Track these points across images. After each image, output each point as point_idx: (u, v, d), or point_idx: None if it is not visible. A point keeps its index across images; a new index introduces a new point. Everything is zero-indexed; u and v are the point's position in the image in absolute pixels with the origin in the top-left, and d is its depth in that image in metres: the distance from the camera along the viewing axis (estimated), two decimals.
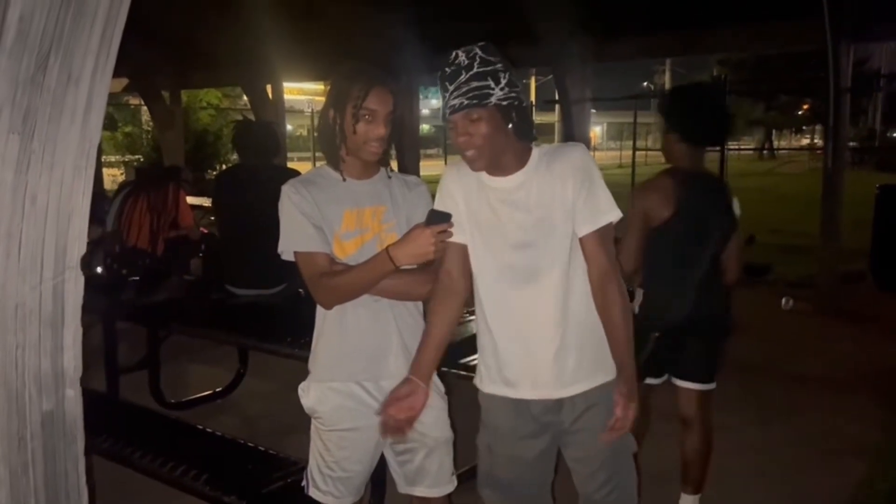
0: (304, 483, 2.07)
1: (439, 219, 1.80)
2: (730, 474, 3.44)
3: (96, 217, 7.37)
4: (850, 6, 6.46)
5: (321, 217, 1.91)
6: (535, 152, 1.85)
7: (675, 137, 2.63)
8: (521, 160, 1.83)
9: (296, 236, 1.91)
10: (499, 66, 1.73)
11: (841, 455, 3.58)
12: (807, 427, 3.97)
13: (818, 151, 20.28)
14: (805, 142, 37.84)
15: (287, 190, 1.94)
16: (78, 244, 1.36)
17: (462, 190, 1.87)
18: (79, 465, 1.38)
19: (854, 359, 5.14)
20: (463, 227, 1.87)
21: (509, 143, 1.78)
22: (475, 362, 2.00)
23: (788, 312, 6.44)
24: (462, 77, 1.71)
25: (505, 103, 1.72)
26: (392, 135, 1.93)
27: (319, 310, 1.99)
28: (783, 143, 39.51)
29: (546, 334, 1.82)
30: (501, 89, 1.72)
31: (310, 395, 2.02)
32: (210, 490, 2.42)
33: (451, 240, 1.86)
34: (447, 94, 1.73)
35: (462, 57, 1.73)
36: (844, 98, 6.78)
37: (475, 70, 1.71)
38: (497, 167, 1.82)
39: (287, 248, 1.93)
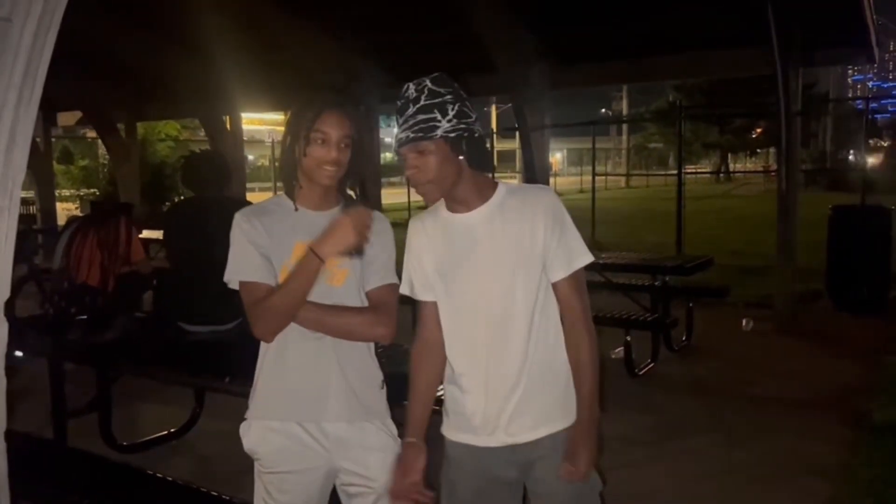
0: None
1: (355, 209, 1.80)
2: (696, 497, 3.42)
3: (24, 254, 7.21)
4: (798, 34, 6.67)
5: (270, 247, 1.86)
6: (501, 189, 1.83)
7: None
8: (483, 194, 1.80)
9: (242, 266, 1.86)
10: (448, 97, 1.71)
11: (806, 476, 3.58)
12: (771, 448, 3.98)
13: (772, 174, 20.77)
14: (759, 165, 38.81)
15: (238, 219, 1.89)
16: (2, 289, 1.28)
17: (428, 242, 1.85)
18: None
19: (814, 378, 5.19)
20: (432, 286, 1.84)
21: (463, 175, 1.76)
22: (440, 393, 1.94)
23: (749, 333, 6.51)
24: (410, 110, 1.70)
25: (453, 135, 1.70)
26: (353, 162, 1.88)
27: (263, 345, 1.92)
28: (738, 166, 40.47)
29: (512, 378, 1.78)
30: (449, 121, 1.70)
31: (250, 435, 1.93)
32: None
33: (422, 298, 1.86)
34: (398, 127, 1.73)
35: (412, 90, 1.72)
36: (795, 121, 6.96)
37: (422, 103, 1.70)
38: (456, 200, 1.80)
39: (233, 277, 1.88)
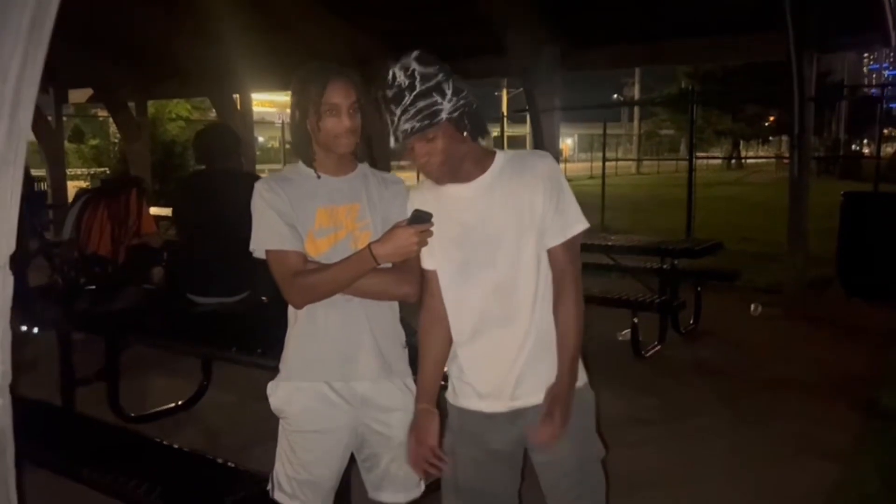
0: (269, 487, 2.01)
1: (422, 218, 1.77)
2: (702, 478, 3.41)
3: (35, 229, 7.23)
4: (813, 18, 6.58)
5: (294, 215, 1.87)
6: (499, 157, 1.82)
7: None
8: (482, 165, 1.80)
9: (268, 234, 1.87)
10: (440, 76, 1.69)
11: (813, 459, 3.57)
12: (778, 430, 3.96)
13: (784, 161, 20.61)
14: (772, 153, 38.51)
15: (260, 187, 1.90)
16: (6, 241, 1.28)
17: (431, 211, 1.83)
18: (8, 479, 1.30)
19: (823, 363, 5.16)
20: (434, 253, 1.84)
21: (468, 150, 1.76)
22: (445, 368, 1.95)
23: (758, 318, 6.47)
24: (406, 99, 1.66)
25: (456, 114, 1.69)
26: (364, 128, 1.89)
27: (291, 309, 1.94)
28: (750, 154, 40.16)
29: (517, 343, 1.79)
30: (449, 101, 1.68)
31: (278, 394, 1.97)
32: None
33: (428, 267, 1.86)
34: (395, 119, 1.68)
35: (401, 76, 1.67)
36: (808, 107, 6.88)
37: (418, 89, 1.66)
38: (458, 175, 1.79)
39: (259, 246, 1.89)
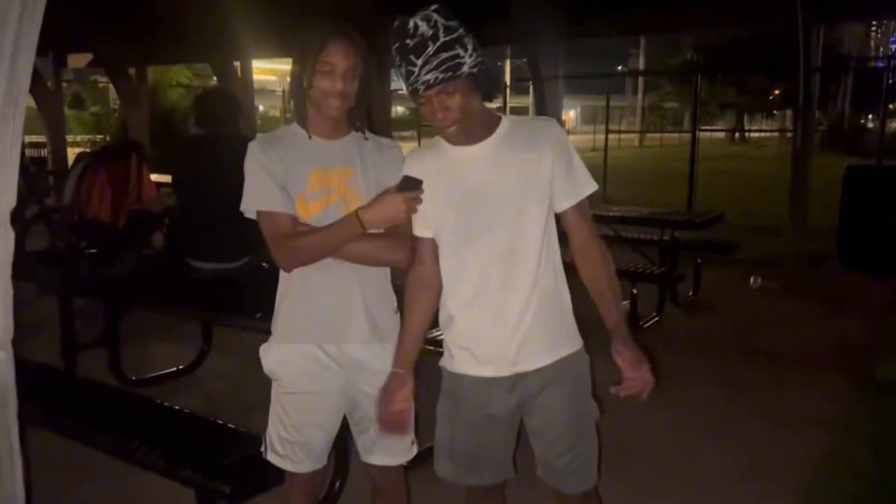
0: (262, 448, 2.03)
1: (412, 185, 1.76)
2: (694, 447, 3.46)
3: (35, 194, 7.21)
4: None
5: (286, 177, 1.86)
6: (505, 121, 1.81)
7: None
8: (489, 127, 1.79)
9: (259, 195, 1.87)
10: (461, 30, 1.67)
11: (807, 428, 3.60)
12: (772, 402, 4.00)
13: (788, 135, 20.48)
14: (776, 128, 38.25)
15: (252, 148, 1.89)
16: (7, 196, 1.28)
17: (428, 178, 1.80)
18: (11, 433, 1.31)
19: (819, 336, 5.18)
20: (427, 222, 1.83)
21: (479, 110, 1.75)
22: (439, 336, 1.96)
23: (756, 291, 6.50)
24: (430, 49, 1.62)
25: (476, 70, 1.67)
26: (360, 93, 1.87)
27: (283, 272, 1.95)
28: (754, 128, 39.90)
29: (519, 308, 1.79)
30: (470, 55, 1.66)
31: (270, 356, 1.99)
32: (165, 464, 2.35)
33: (419, 234, 1.86)
34: (416, 69, 1.64)
35: (424, 26, 1.64)
36: (814, 77, 6.85)
37: (442, 40, 1.63)
38: (467, 136, 1.77)
39: (249, 206, 1.89)
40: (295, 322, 1.95)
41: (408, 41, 1.64)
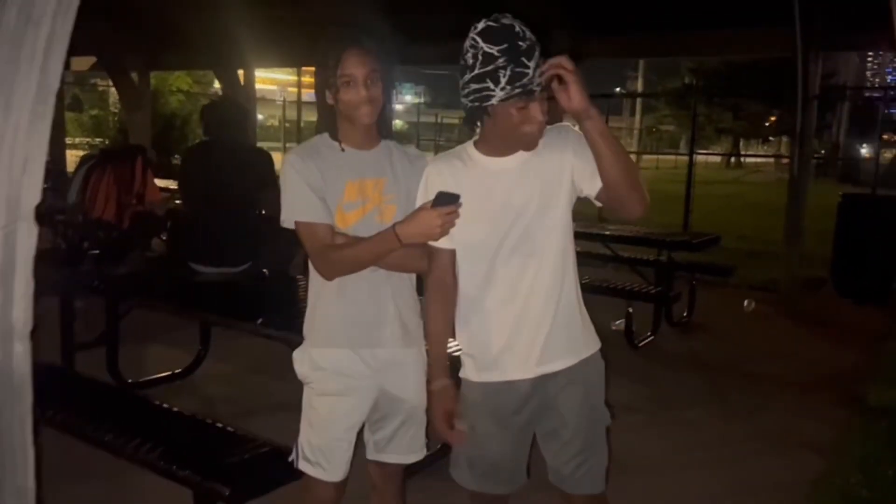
0: (292, 458, 2.05)
1: (447, 200, 1.75)
2: (688, 467, 3.48)
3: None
4: (821, 15, 6.60)
5: (324, 187, 1.90)
6: None
7: None
8: None
9: (299, 206, 1.90)
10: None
11: (799, 451, 3.63)
12: (766, 424, 4.03)
13: (784, 161, 20.63)
14: (771, 153, 38.52)
15: (291, 159, 1.92)
16: (32, 193, 1.30)
17: (456, 189, 1.79)
18: (26, 424, 1.33)
19: (811, 360, 5.22)
20: (451, 234, 1.82)
21: None
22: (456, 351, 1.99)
23: (750, 314, 6.54)
24: (537, 53, 1.65)
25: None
26: (385, 93, 1.91)
27: (315, 277, 1.98)
28: (750, 153, 40.14)
29: (547, 311, 1.83)
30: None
31: (304, 361, 2.02)
32: (164, 464, 2.36)
33: (440, 246, 1.86)
34: (529, 71, 1.63)
35: (526, 33, 1.65)
36: (812, 105, 6.91)
37: (537, 48, 1.66)
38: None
39: (289, 217, 1.92)
40: (332, 327, 1.99)
41: (520, 43, 1.64)
